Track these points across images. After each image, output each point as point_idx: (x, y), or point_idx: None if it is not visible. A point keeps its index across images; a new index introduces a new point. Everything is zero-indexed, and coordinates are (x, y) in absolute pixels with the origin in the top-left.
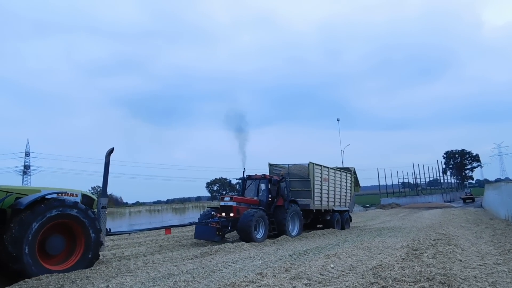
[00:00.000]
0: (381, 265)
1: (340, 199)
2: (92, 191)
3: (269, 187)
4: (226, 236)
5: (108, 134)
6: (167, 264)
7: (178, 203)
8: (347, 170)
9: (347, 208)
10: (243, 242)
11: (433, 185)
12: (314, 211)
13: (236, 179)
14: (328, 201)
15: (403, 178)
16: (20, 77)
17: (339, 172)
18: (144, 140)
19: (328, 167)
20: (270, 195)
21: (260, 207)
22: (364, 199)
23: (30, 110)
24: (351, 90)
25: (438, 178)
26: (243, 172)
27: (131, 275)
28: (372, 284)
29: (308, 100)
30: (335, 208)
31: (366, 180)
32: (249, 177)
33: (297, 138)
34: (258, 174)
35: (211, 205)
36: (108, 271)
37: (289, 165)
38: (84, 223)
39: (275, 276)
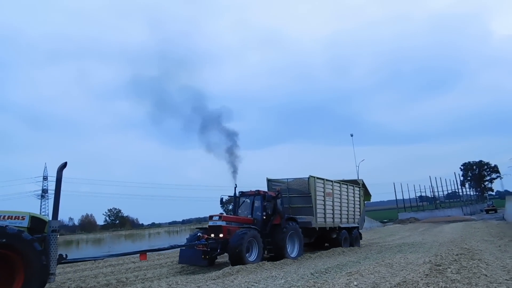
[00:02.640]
0: (405, 281)
1: (347, 215)
2: (108, 213)
3: (263, 204)
4: (218, 258)
5: (123, 156)
6: (191, 285)
7: (195, 223)
8: (354, 183)
9: (356, 225)
10: (264, 261)
11: (452, 198)
12: (317, 229)
13: (229, 196)
14: (333, 218)
15: (421, 191)
16: (35, 104)
17: (345, 186)
18: (158, 161)
19: (332, 181)
20: (265, 213)
21: (253, 226)
22: (381, 214)
23: (46, 135)
24: (361, 105)
25: (457, 190)
26: (235, 188)
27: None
28: None
29: (318, 117)
30: (342, 225)
31: (383, 194)
32: (242, 193)
33: (310, 154)
34: (252, 190)
35: (200, 225)
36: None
37: (288, 180)
38: (27, 256)
39: None
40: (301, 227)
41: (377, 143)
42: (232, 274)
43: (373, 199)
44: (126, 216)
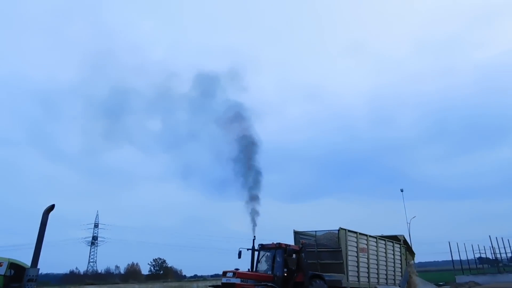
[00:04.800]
0: None
1: (386, 274)
2: (153, 263)
3: (285, 258)
4: None
5: (169, 207)
6: None
7: None
8: (394, 239)
9: (397, 287)
10: None
11: None
12: None
13: (247, 249)
14: (368, 277)
15: (480, 252)
16: (87, 153)
17: (383, 241)
18: (202, 213)
19: (366, 235)
20: (286, 269)
21: (272, 284)
22: (436, 275)
23: (97, 184)
24: (407, 157)
25: None
26: (253, 241)
27: None
28: None
29: (362, 170)
30: (380, 287)
31: (437, 254)
32: (262, 246)
33: (354, 209)
34: (274, 243)
35: (214, 283)
36: None
37: (317, 232)
38: None
39: None
40: (330, 286)
41: (427, 198)
42: None
43: (426, 258)
44: (170, 267)
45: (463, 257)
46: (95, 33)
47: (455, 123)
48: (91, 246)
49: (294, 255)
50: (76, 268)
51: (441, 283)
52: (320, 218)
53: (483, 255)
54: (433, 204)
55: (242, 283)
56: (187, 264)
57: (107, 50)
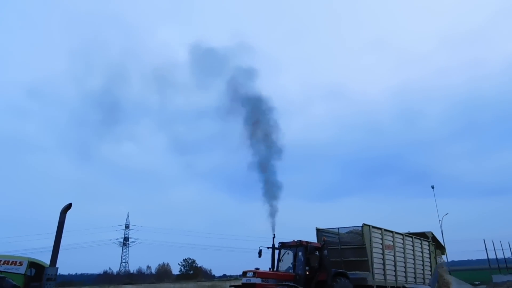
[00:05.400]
0: None
1: (414, 273)
2: (183, 263)
3: (306, 256)
4: None
5: (197, 208)
6: None
7: None
8: (422, 236)
9: (427, 286)
10: None
11: None
12: (375, 287)
13: (268, 248)
14: (395, 276)
15: None
16: (118, 156)
17: (410, 238)
18: (230, 213)
19: (392, 231)
20: (308, 267)
21: (293, 284)
22: (470, 275)
23: (128, 186)
24: (436, 154)
25: None
26: (273, 239)
27: None
28: None
29: (389, 167)
30: (408, 286)
31: (471, 253)
32: (283, 244)
33: (382, 207)
34: (294, 240)
35: (234, 283)
36: None
37: (340, 229)
38: None
39: None
40: (355, 285)
41: (459, 194)
42: None
43: (460, 257)
44: (200, 267)
45: (500, 256)
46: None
47: (486, 115)
48: (122, 247)
49: (316, 253)
50: (110, 269)
51: (477, 283)
52: (345, 216)
53: None
54: (466, 201)
55: (262, 283)
56: (216, 264)
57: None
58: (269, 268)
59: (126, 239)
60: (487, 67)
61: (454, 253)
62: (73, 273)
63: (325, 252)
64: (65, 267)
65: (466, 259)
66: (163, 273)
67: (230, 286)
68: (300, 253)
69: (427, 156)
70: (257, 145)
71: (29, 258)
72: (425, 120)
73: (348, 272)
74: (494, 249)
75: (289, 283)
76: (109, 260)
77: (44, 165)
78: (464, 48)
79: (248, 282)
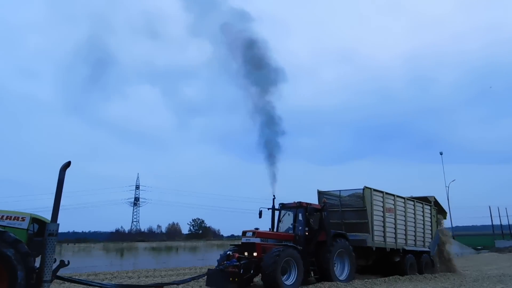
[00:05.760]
0: None
1: (415, 236)
2: (192, 223)
3: (306, 217)
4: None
5: (205, 169)
6: None
7: None
8: (424, 200)
9: (427, 249)
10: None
11: None
12: (374, 249)
13: (268, 209)
14: (395, 238)
15: None
16: (126, 119)
17: (412, 202)
18: (238, 174)
19: (393, 195)
20: (308, 228)
21: (291, 244)
22: (474, 240)
23: (137, 147)
24: (446, 120)
25: None
26: (273, 200)
27: None
28: None
29: (398, 133)
30: (407, 248)
31: (476, 219)
32: (283, 206)
33: (390, 172)
34: (295, 202)
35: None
36: None
37: (341, 192)
38: (14, 266)
39: None
40: (354, 246)
41: (467, 161)
42: None
43: (465, 223)
44: (209, 227)
45: (504, 222)
46: None
47: (500, 82)
48: (133, 206)
49: (316, 214)
50: (121, 227)
51: (480, 247)
52: (353, 180)
53: None
54: (474, 167)
55: (262, 242)
56: (224, 225)
57: None
58: (269, 229)
59: (136, 199)
60: (504, 31)
61: (458, 218)
62: (87, 231)
63: (325, 213)
64: (79, 225)
65: (471, 224)
66: (173, 232)
67: (231, 245)
68: (300, 214)
69: (438, 123)
70: (257, 100)
71: (31, 214)
72: (438, 87)
73: (348, 233)
74: (499, 216)
75: (288, 243)
76: (121, 219)
77: (52, 126)
78: (480, 12)
79: (248, 241)
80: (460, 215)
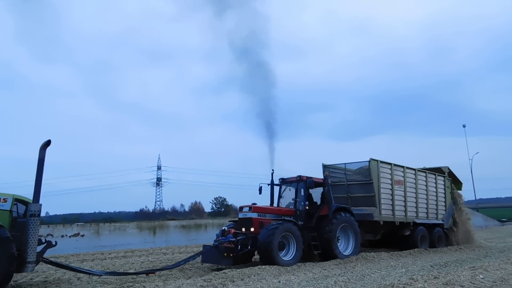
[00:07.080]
0: None
1: (427, 209)
2: (214, 201)
3: (307, 191)
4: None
5: (223, 148)
6: (318, 268)
7: None
8: (438, 171)
9: (440, 221)
10: (381, 251)
11: None
12: (382, 223)
13: (268, 184)
14: (406, 211)
15: None
16: (144, 100)
17: (423, 174)
18: (253, 153)
19: (403, 166)
20: (308, 202)
21: (289, 219)
22: (498, 212)
23: (156, 128)
24: (467, 91)
25: None
26: (272, 174)
27: (294, 275)
28: None
29: (418, 106)
30: (418, 221)
31: (500, 191)
32: (283, 180)
33: (410, 146)
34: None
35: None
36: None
37: (347, 165)
38: None
39: (426, 281)
40: (361, 221)
41: (491, 133)
42: (352, 262)
43: (489, 195)
44: (231, 205)
45: None
46: None
47: None
48: (156, 187)
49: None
50: (146, 207)
51: (504, 219)
52: (371, 155)
53: None
54: (498, 139)
55: (259, 217)
56: (245, 202)
57: None
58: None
59: (158, 179)
60: None
61: (482, 190)
62: (112, 211)
63: (327, 187)
64: (105, 205)
65: (495, 196)
66: (196, 210)
67: (229, 221)
68: (300, 188)
69: (459, 94)
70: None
71: (13, 194)
72: (458, 56)
73: (354, 208)
74: None
75: (286, 217)
76: (144, 199)
77: (73, 110)
78: None
79: (245, 216)
80: (485, 187)
